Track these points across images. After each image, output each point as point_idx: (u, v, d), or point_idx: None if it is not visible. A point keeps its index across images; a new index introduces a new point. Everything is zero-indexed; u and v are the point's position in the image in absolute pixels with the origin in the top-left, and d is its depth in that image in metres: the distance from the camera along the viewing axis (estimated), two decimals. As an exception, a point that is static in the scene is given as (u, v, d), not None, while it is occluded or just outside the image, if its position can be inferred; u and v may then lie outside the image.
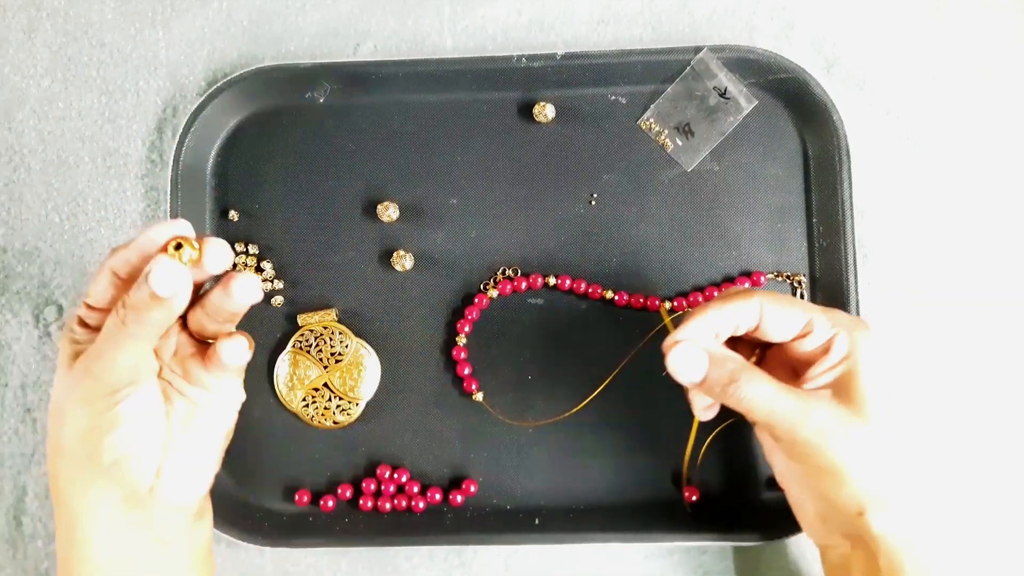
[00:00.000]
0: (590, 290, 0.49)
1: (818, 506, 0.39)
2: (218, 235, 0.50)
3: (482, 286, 0.49)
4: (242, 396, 0.40)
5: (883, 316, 0.49)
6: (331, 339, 0.49)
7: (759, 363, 0.41)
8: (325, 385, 0.49)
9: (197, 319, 0.38)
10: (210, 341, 0.39)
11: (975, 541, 0.47)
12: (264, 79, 0.50)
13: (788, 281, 0.49)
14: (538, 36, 0.51)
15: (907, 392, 0.44)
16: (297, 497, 0.49)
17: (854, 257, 0.47)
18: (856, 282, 0.47)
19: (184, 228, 0.35)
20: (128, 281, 0.36)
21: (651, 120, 0.50)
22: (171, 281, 0.34)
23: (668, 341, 0.37)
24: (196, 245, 0.35)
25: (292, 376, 0.49)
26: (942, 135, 0.50)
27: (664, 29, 0.51)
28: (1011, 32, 0.50)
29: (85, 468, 0.36)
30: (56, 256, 0.51)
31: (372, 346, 0.49)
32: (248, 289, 0.36)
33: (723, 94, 0.49)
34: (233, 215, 0.50)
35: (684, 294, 0.49)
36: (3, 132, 0.52)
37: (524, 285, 0.49)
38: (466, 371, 0.49)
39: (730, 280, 0.49)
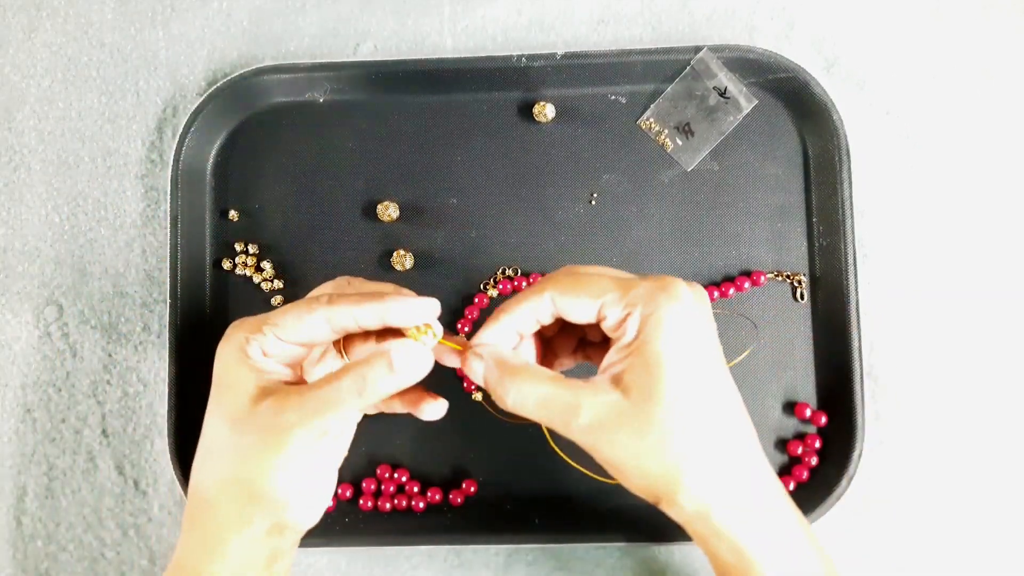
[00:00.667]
0: None
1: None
2: (218, 235, 0.50)
3: (482, 286, 0.49)
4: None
5: (883, 316, 0.49)
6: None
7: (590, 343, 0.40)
8: (325, 385, 0.49)
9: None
10: None
11: (974, 532, 0.48)
12: (264, 79, 0.50)
13: (788, 281, 0.49)
14: (538, 36, 0.51)
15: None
16: (297, 497, 0.49)
17: (854, 257, 0.47)
18: (856, 282, 0.47)
19: (434, 311, 0.36)
20: (340, 332, 0.36)
21: (651, 120, 0.50)
22: (417, 367, 0.35)
23: (469, 353, 0.36)
24: (438, 330, 0.36)
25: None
26: (942, 135, 0.50)
27: (664, 29, 0.51)
28: (1011, 32, 0.50)
29: (252, 500, 0.35)
30: (56, 256, 0.51)
31: (372, 346, 0.49)
32: (437, 409, 0.40)
33: (723, 94, 0.49)
34: (233, 215, 0.50)
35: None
36: (3, 132, 0.52)
37: (524, 285, 0.49)
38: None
39: (730, 280, 0.49)
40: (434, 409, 0.40)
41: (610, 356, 0.35)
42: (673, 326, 0.34)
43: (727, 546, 0.35)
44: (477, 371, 0.36)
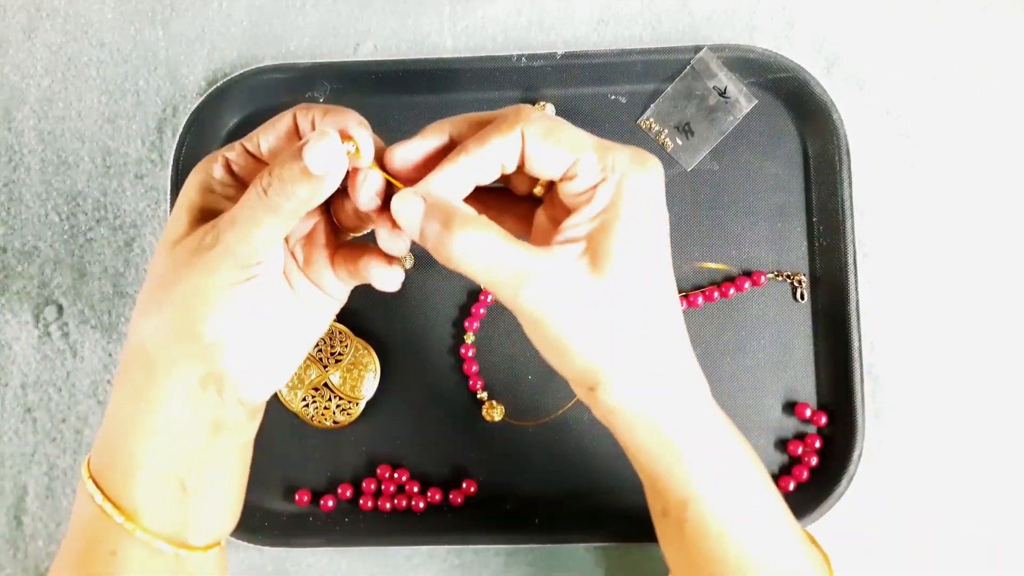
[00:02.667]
0: None
1: (557, 367, 0.34)
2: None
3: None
4: (344, 301, 0.37)
5: (883, 316, 0.49)
6: (331, 339, 0.49)
7: (545, 204, 0.35)
8: (325, 385, 0.49)
9: (343, 208, 0.35)
10: (351, 235, 0.36)
11: (975, 532, 0.48)
12: (264, 79, 0.50)
13: (788, 281, 0.49)
14: (538, 36, 0.51)
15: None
16: (297, 497, 0.49)
17: (854, 257, 0.47)
18: (856, 282, 0.47)
19: (362, 129, 0.32)
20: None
21: (651, 120, 0.50)
22: (327, 160, 0.30)
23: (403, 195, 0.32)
24: (364, 149, 0.32)
25: (292, 376, 0.49)
26: (942, 135, 0.50)
27: (664, 29, 0.51)
28: (1011, 32, 0.50)
29: (180, 338, 0.33)
30: (56, 256, 0.51)
31: (372, 346, 0.49)
32: (389, 276, 0.34)
33: (723, 94, 0.49)
34: (233, 215, 0.50)
35: (684, 294, 0.49)
36: (3, 132, 0.52)
37: None
38: (474, 368, 0.49)
39: (730, 280, 0.49)
40: (384, 275, 0.34)
41: (572, 222, 0.32)
42: (649, 204, 0.32)
43: (656, 438, 0.33)
44: (412, 216, 0.31)
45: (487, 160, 0.32)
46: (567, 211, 0.33)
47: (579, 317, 0.31)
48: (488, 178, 0.33)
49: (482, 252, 0.30)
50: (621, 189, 0.31)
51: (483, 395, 0.49)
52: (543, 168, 0.32)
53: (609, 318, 0.31)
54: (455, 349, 0.49)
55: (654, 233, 0.32)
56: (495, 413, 0.48)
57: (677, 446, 0.33)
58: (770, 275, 0.49)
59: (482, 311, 0.49)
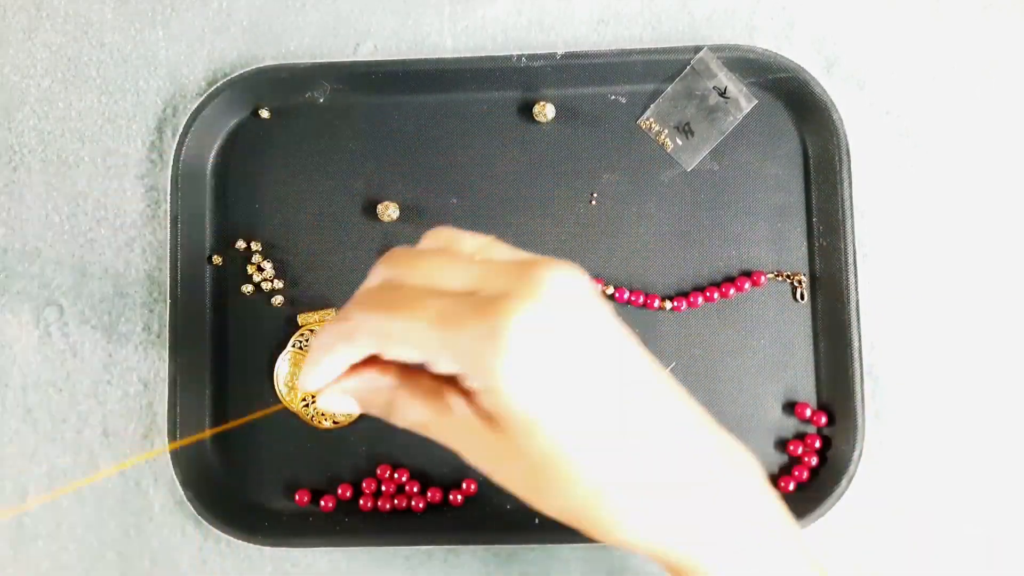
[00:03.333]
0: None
1: None
2: (218, 235, 0.50)
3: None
4: None
5: (883, 316, 0.49)
6: (331, 339, 0.49)
7: None
8: (325, 385, 0.49)
9: None
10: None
11: (975, 532, 0.48)
12: (264, 79, 0.50)
13: (788, 281, 0.49)
14: (538, 36, 0.51)
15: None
16: (297, 497, 0.49)
17: (854, 257, 0.47)
18: (856, 282, 0.47)
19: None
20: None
21: (651, 120, 0.50)
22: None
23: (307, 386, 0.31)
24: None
25: (292, 376, 0.49)
26: (942, 135, 0.50)
27: (664, 29, 0.51)
28: (1011, 32, 0.50)
29: None
30: (56, 256, 0.51)
31: (372, 346, 0.49)
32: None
33: (723, 94, 0.49)
34: (233, 215, 0.50)
35: (684, 294, 0.49)
36: (3, 132, 0.52)
37: None
38: None
39: (730, 280, 0.49)
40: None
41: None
42: (524, 383, 0.26)
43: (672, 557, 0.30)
44: (347, 402, 0.31)
45: (343, 362, 0.30)
46: None
47: (518, 478, 0.29)
48: (359, 359, 0.30)
49: (422, 422, 0.30)
50: (484, 391, 0.27)
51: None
52: (403, 360, 0.29)
53: (549, 477, 0.28)
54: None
55: (561, 380, 0.27)
56: None
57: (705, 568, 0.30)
58: (770, 275, 0.49)
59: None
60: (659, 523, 0.29)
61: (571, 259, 0.49)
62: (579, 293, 0.28)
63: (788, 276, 0.49)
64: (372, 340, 0.29)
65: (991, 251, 0.49)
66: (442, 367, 0.28)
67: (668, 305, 0.48)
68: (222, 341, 0.50)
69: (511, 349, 0.26)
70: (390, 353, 0.29)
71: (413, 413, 0.30)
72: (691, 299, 0.48)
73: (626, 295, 0.49)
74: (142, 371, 0.50)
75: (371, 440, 0.49)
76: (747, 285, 0.48)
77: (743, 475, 0.31)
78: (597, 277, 0.49)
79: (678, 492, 0.29)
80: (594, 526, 0.29)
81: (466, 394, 0.29)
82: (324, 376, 0.30)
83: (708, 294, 0.48)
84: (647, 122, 0.50)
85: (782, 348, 0.48)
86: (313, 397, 0.46)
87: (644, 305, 0.49)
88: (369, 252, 0.50)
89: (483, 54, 0.50)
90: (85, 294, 0.51)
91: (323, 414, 0.49)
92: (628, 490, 0.28)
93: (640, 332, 0.48)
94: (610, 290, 0.49)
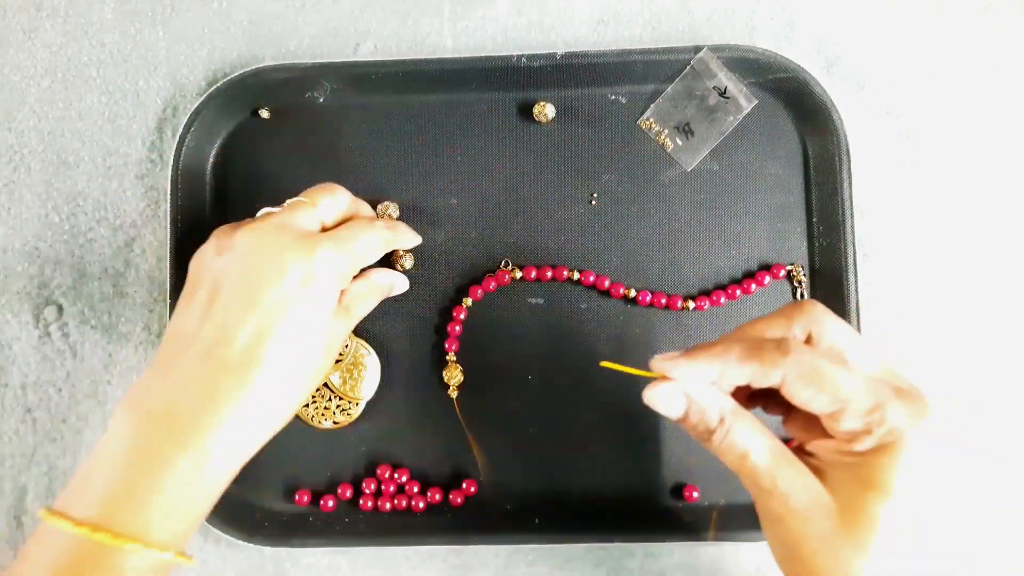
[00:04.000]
0: (591, 279, 0.49)
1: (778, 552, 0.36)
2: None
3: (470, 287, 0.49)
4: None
5: (883, 316, 0.49)
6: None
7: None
8: (325, 385, 0.49)
9: None
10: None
11: (976, 532, 0.48)
12: (264, 79, 0.50)
13: (788, 280, 0.49)
14: (538, 36, 0.51)
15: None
16: (297, 497, 0.49)
17: (854, 256, 0.47)
18: (856, 281, 0.47)
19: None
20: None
21: (651, 120, 0.50)
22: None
23: (658, 367, 0.34)
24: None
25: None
26: (942, 135, 0.50)
27: (664, 29, 0.51)
28: (1011, 32, 0.50)
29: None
30: (56, 256, 0.51)
31: (372, 346, 0.49)
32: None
33: (723, 94, 0.49)
34: (233, 215, 0.50)
35: (692, 296, 0.49)
36: (3, 132, 0.52)
37: (507, 278, 0.49)
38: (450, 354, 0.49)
39: (736, 282, 0.49)
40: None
41: (824, 447, 0.34)
42: (909, 463, 0.33)
43: None
44: (677, 403, 0.34)
45: (737, 377, 0.33)
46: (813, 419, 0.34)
47: (820, 556, 0.33)
48: (730, 384, 0.34)
49: (750, 449, 0.33)
50: (886, 448, 0.33)
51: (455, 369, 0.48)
52: (801, 403, 0.33)
53: (849, 555, 0.33)
54: (446, 341, 0.49)
55: (900, 482, 0.33)
56: (453, 379, 0.48)
57: None
58: (788, 267, 0.49)
59: (479, 294, 0.49)
60: None
61: (571, 259, 0.49)
62: None
63: (788, 271, 0.49)
64: (803, 378, 0.32)
65: (991, 251, 0.49)
66: (848, 420, 0.32)
67: (691, 305, 0.48)
68: (222, 341, 0.50)
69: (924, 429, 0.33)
70: (794, 392, 0.32)
71: (749, 439, 0.33)
72: (698, 302, 0.48)
73: (648, 297, 0.48)
74: (142, 371, 0.50)
75: (371, 440, 0.49)
76: (753, 287, 0.48)
77: None
78: (601, 275, 0.49)
79: None
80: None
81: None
82: (699, 374, 0.33)
83: (715, 299, 0.48)
84: (647, 122, 0.50)
85: (782, 348, 0.48)
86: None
87: (667, 307, 0.49)
88: (369, 252, 0.50)
89: (483, 54, 0.50)
90: (85, 294, 0.51)
91: (323, 414, 0.49)
92: None
93: (641, 332, 0.48)
94: (632, 292, 0.48)
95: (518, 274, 0.49)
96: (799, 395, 0.33)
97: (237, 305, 0.38)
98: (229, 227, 0.41)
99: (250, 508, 0.49)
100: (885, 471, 0.33)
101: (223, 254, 0.40)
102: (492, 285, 0.49)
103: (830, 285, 0.48)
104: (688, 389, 0.34)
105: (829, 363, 0.32)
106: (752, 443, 0.33)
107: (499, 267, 0.50)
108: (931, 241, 0.49)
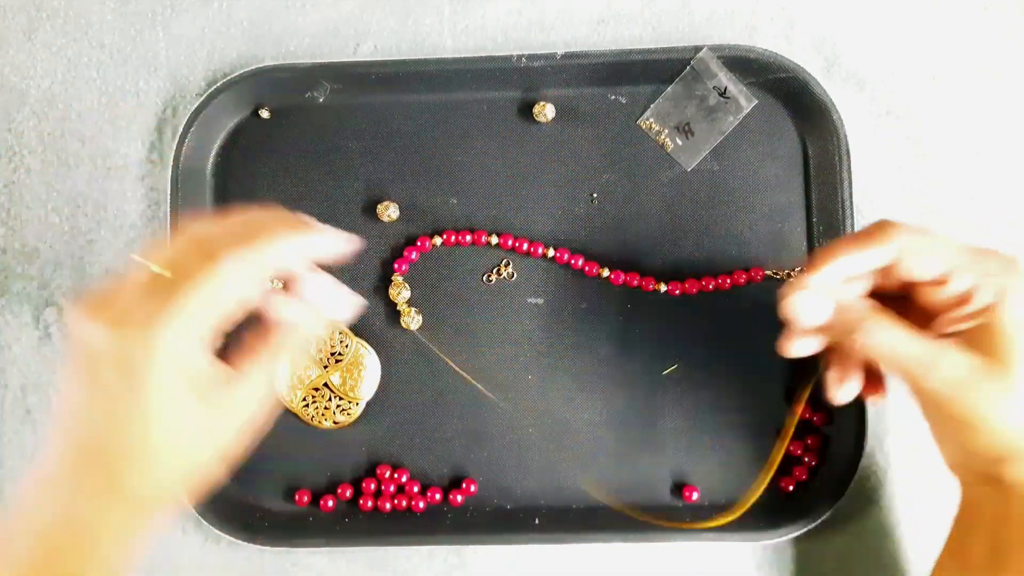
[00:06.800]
0: (587, 268, 0.49)
1: (953, 451, 0.39)
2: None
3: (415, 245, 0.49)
4: None
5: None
6: (331, 339, 0.49)
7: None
8: (325, 385, 0.49)
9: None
10: None
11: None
12: (264, 79, 0.50)
13: (788, 280, 0.49)
14: (538, 36, 0.51)
15: None
16: (297, 497, 0.49)
17: (854, 257, 0.47)
18: (856, 282, 0.47)
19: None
20: None
21: (651, 120, 0.50)
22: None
23: (794, 286, 0.37)
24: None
25: (292, 376, 0.49)
26: (942, 135, 0.50)
27: (664, 29, 0.51)
28: (1012, 31, 0.50)
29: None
30: (56, 257, 0.51)
31: (372, 346, 0.49)
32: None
33: (723, 94, 0.49)
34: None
35: (680, 281, 0.49)
36: (3, 132, 0.52)
37: (469, 238, 0.49)
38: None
39: (728, 274, 0.49)
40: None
41: (949, 319, 0.37)
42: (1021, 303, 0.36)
43: None
44: (823, 307, 0.37)
45: (859, 264, 0.37)
46: (922, 307, 0.38)
47: (984, 400, 0.36)
48: (855, 275, 0.38)
49: (890, 345, 0.36)
50: (1003, 293, 0.36)
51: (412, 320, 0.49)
52: (914, 276, 0.37)
53: (1012, 401, 0.35)
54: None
55: None
56: (411, 321, 0.49)
57: None
58: (769, 272, 0.49)
59: (415, 255, 0.49)
60: None
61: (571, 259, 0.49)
62: None
63: (788, 275, 0.49)
64: (914, 246, 0.36)
65: (991, 251, 0.49)
66: (958, 282, 0.36)
67: (663, 287, 0.48)
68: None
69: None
70: (910, 263, 0.36)
71: (886, 335, 0.36)
72: (688, 286, 0.48)
73: (621, 277, 0.49)
74: (142, 371, 0.50)
75: (371, 440, 0.49)
76: (744, 279, 0.48)
77: None
78: (591, 260, 0.49)
79: None
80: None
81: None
82: (835, 271, 0.37)
83: (704, 284, 0.48)
84: (647, 122, 0.50)
85: (782, 348, 0.48)
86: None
87: (654, 290, 0.49)
88: (369, 252, 0.50)
89: (483, 54, 0.50)
90: (85, 295, 0.51)
91: (323, 414, 0.49)
92: None
93: (641, 332, 0.48)
94: (605, 272, 0.48)
95: (438, 241, 0.49)
96: (915, 263, 0.36)
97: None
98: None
99: (250, 508, 0.49)
100: (1011, 315, 0.35)
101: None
102: (415, 255, 0.49)
103: (830, 285, 0.48)
104: (831, 291, 0.37)
105: (930, 231, 0.37)
106: (899, 333, 0.36)
107: (499, 267, 0.50)
108: (931, 241, 0.49)
